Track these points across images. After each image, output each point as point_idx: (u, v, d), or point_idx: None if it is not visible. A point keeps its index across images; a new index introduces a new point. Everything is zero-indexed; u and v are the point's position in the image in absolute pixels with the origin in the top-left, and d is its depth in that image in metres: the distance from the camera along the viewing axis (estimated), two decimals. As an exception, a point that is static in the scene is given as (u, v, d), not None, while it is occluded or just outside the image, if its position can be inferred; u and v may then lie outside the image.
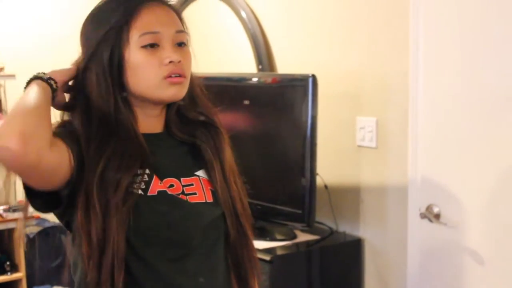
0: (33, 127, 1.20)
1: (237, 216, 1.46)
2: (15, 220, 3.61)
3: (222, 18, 3.61)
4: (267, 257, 2.62)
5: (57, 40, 3.92)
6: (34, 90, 1.28)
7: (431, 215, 2.50)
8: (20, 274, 3.61)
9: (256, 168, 2.80)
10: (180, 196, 1.40)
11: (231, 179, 1.48)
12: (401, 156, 2.69)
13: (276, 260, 2.65)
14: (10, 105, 3.87)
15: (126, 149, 1.34)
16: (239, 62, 3.60)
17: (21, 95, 1.29)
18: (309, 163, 2.67)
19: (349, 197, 2.98)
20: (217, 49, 3.74)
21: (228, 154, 1.51)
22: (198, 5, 3.71)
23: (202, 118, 1.49)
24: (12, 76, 3.76)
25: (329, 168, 2.99)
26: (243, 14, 3.39)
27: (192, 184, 1.43)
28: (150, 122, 1.44)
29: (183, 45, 1.42)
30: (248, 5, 3.41)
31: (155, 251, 1.36)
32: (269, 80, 3.00)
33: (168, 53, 1.37)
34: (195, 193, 1.43)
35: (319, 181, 2.82)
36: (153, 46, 1.37)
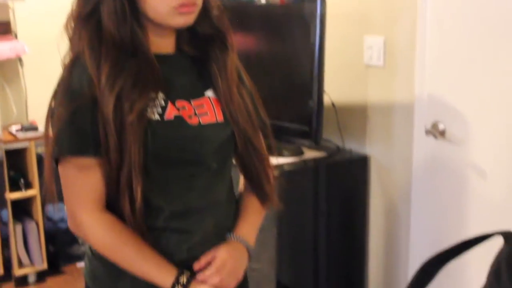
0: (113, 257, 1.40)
1: (243, 129, 1.49)
2: (27, 139, 3.67)
3: None
4: (274, 173, 2.68)
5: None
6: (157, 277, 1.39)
7: (437, 132, 2.55)
8: (34, 191, 3.70)
9: (265, 87, 2.82)
10: (193, 117, 1.44)
11: (234, 92, 1.49)
12: (408, 74, 2.72)
13: (283, 175, 2.71)
14: (19, 26, 3.87)
15: (141, 73, 1.36)
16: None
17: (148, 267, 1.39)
18: (317, 82, 2.70)
19: (356, 115, 3.03)
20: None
21: (234, 69, 1.51)
22: None
23: (212, 31, 1.49)
24: (21, -3, 3.75)
25: (337, 86, 3.03)
26: None
27: (202, 105, 1.46)
28: (161, 42, 1.45)
29: None
30: None
31: (169, 173, 1.41)
32: (277, 0, 3.00)
33: None
34: (206, 113, 1.46)
35: (326, 99, 2.86)
36: None
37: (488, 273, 1.26)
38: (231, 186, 1.57)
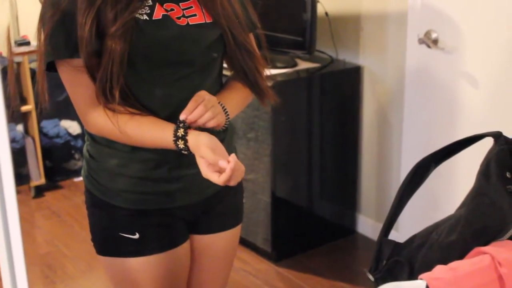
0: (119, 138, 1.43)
1: (230, 29, 1.49)
2: (20, 54, 3.65)
3: None
4: (268, 84, 2.69)
5: None
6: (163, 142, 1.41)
7: (429, 41, 2.55)
8: (29, 107, 3.69)
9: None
10: (181, 19, 1.44)
11: None
12: (401, -18, 2.71)
13: (277, 86, 2.72)
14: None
15: None
16: None
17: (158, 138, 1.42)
18: (310, -9, 2.70)
19: (349, 24, 3.02)
20: None
21: None
22: None
23: None
24: None
25: (330, -5, 3.01)
26: None
27: (191, 7, 1.47)
28: None
29: None
30: None
31: (158, 72, 1.43)
32: None
33: None
34: (195, 15, 1.46)
35: (320, 8, 2.85)
36: None
37: (478, 172, 1.30)
38: (221, 88, 1.57)
